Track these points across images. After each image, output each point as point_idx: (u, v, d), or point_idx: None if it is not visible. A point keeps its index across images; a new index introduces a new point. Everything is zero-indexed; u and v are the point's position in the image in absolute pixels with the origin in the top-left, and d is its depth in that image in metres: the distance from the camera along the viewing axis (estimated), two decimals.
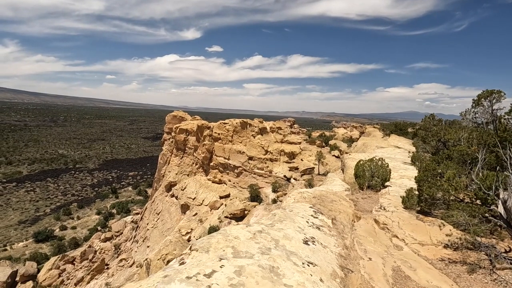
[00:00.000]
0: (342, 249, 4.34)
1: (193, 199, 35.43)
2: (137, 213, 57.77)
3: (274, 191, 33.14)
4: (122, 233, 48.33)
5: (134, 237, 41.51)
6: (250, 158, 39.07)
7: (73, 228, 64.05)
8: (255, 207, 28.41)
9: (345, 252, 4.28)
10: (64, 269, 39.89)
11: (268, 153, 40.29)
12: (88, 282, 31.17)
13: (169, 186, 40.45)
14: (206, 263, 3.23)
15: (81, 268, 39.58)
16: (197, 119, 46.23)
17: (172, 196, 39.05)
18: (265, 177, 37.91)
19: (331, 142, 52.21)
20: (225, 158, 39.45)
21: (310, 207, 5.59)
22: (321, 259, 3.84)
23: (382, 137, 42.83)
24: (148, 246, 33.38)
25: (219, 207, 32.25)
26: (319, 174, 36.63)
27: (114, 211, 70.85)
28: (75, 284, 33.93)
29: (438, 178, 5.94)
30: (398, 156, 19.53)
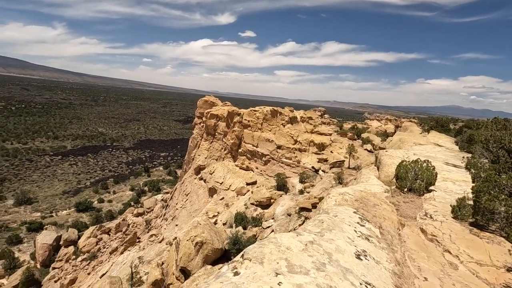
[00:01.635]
0: (395, 265, 4.04)
1: (221, 183, 36.23)
2: (167, 192, 60.60)
3: (301, 181, 32.81)
4: (153, 210, 51.11)
5: (164, 215, 43.70)
6: (279, 147, 38.82)
7: (109, 201, 68.92)
8: (281, 196, 28.38)
9: (399, 269, 3.98)
10: (101, 238, 43.31)
11: (297, 143, 39.73)
12: (122, 253, 33.56)
13: (198, 169, 41.67)
14: (263, 278, 3.15)
15: (115, 239, 42.70)
16: (228, 105, 46.57)
17: (201, 179, 40.25)
18: (292, 167, 37.61)
19: (364, 135, 50.19)
20: (253, 146, 39.60)
21: (354, 212, 5.30)
22: (376, 278, 3.61)
23: (420, 133, 40.29)
24: (176, 225, 35.04)
25: (245, 194, 32.68)
26: (349, 167, 35.55)
27: (146, 188, 74.94)
28: (110, 253, 36.71)
29: (501, 190, 5.33)
30: (439, 156, 18.21)
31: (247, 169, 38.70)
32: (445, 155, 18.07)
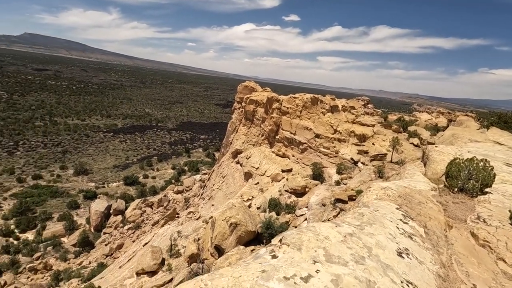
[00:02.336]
0: (440, 267, 3.80)
1: (256, 168, 36.78)
2: (205, 173, 63.30)
3: (338, 172, 31.94)
4: (191, 188, 53.91)
5: (201, 194, 45.89)
6: (317, 135, 37.96)
7: (153, 177, 74.13)
8: (316, 185, 28.02)
9: (444, 272, 3.75)
10: (145, 211, 47.11)
11: (337, 132, 38.44)
12: (162, 226, 36.22)
13: (235, 153, 42.65)
14: (301, 264, 3.21)
15: (157, 212, 46.13)
16: (267, 91, 46.37)
17: (237, 163, 41.23)
18: (330, 157, 36.66)
19: (411, 128, 46.73)
20: (291, 133, 39.23)
21: (397, 208, 5.03)
22: (419, 278, 3.44)
23: (478, 129, 36.32)
24: (212, 205, 36.67)
25: (280, 180, 32.82)
26: (391, 161, 33.62)
27: (186, 168, 79.00)
28: (152, 225, 39.83)
29: None
30: (498, 155, 16.32)
31: (284, 156, 38.63)
32: (506, 155, 16.12)
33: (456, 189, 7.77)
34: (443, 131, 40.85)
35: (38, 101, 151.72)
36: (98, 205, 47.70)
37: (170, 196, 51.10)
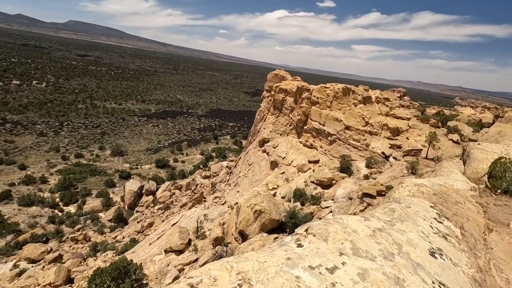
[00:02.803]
0: (476, 271, 3.57)
1: (283, 158, 36.69)
2: (232, 160, 64.44)
3: (367, 166, 30.88)
4: (218, 174, 55.28)
5: (228, 180, 46.91)
6: (347, 127, 36.79)
7: (182, 162, 76.95)
8: (343, 178, 27.38)
9: (480, 277, 3.52)
10: (174, 193, 49.28)
11: (369, 125, 36.95)
12: (190, 208, 37.73)
13: (262, 142, 42.78)
14: (327, 255, 3.20)
15: (185, 195, 48.05)
16: (297, 80, 45.48)
17: (264, 151, 41.39)
18: (360, 150, 35.48)
19: (451, 123, 43.54)
20: (320, 124, 38.40)
21: (431, 206, 4.76)
22: (452, 280, 3.27)
23: None
24: (238, 191, 37.42)
25: (306, 171, 32.50)
26: (426, 158, 31.76)
27: (213, 154, 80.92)
28: (180, 207, 41.65)
29: None
30: None
31: (311, 147, 38.06)
32: None
33: (499, 191, 7.18)
34: (488, 127, 37.59)
35: (80, 85, 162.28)
36: (132, 185, 50.70)
37: (198, 180, 52.84)
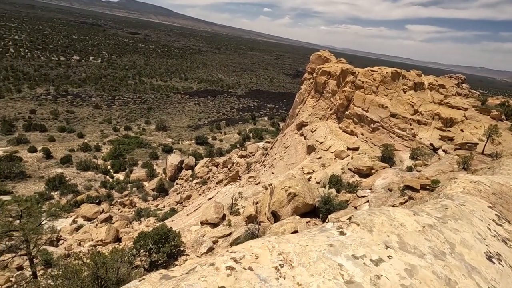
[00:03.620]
0: None
1: (320, 143, 35.88)
2: (268, 142, 64.73)
3: (412, 157, 28.91)
4: (254, 155, 56.12)
5: (263, 161, 47.47)
6: (393, 115, 34.46)
7: (220, 140, 79.23)
8: (384, 168, 26.09)
9: None
10: (211, 169, 51.36)
11: (418, 113, 34.20)
12: (225, 185, 39.18)
13: (300, 125, 42.09)
14: (371, 246, 3.11)
15: (221, 172, 49.83)
16: (342, 62, 43.18)
17: (301, 135, 40.80)
18: (405, 139, 33.22)
19: None
20: (363, 110, 36.47)
21: (489, 207, 4.31)
22: None
23: None
24: (272, 173, 37.79)
25: (344, 158, 31.52)
26: (482, 153, 28.69)
27: (250, 135, 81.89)
28: (216, 183, 43.43)
29: None
30: None
31: (351, 133, 36.58)
32: None
33: None
34: None
35: (130, 61, 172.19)
36: (173, 159, 53.83)
37: (234, 159, 54.25)
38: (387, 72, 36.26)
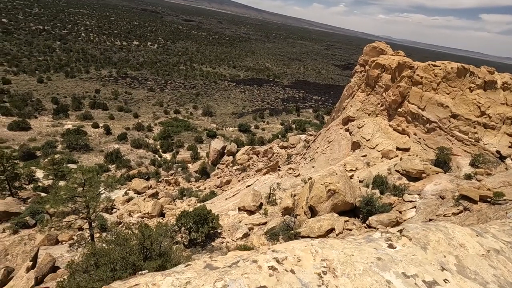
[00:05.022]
0: None
1: (367, 140, 34.05)
2: (311, 134, 63.39)
3: (472, 164, 25.98)
4: (295, 146, 55.55)
5: (304, 154, 46.77)
6: (454, 116, 31.10)
7: (262, 129, 79.74)
8: (437, 173, 23.91)
9: None
10: (251, 157, 52.20)
11: (484, 116, 30.40)
12: (264, 174, 39.59)
13: (347, 120, 40.32)
14: (425, 266, 2.87)
15: (261, 161, 50.38)
16: (399, 55, 39.86)
17: (347, 130, 39.12)
18: (466, 144, 29.89)
19: None
20: (418, 108, 33.52)
21: None
22: None
23: None
24: (313, 166, 37.09)
25: (392, 158, 29.57)
26: None
27: (293, 126, 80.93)
28: (256, 171, 44.09)
29: None
30: None
31: (402, 132, 34.04)
32: None
33: None
34: None
35: (183, 48, 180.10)
36: (216, 144, 55.79)
37: (275, 149, 54.33)
38: (451, 68, 32.64)
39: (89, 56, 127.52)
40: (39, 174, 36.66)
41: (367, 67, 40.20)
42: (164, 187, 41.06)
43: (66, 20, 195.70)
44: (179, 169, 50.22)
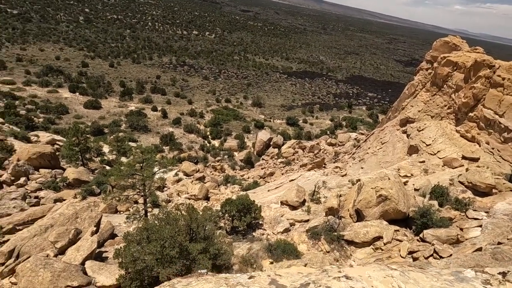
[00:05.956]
0: None
1: (427, 145, 30.99)
2: (362, 133, 60.00)
3: None
4: (344, 144, 53.24)
5: (353, 153, 44.58)
6: None
7: (311, 124, 77.93)
8: (511, 191, 20.82)
9: None
10: (297, 152, 51.54)
11: None
12: (309, 170, 38.82)
13: (405, 121, 37.14)
14: None
15: (307, 156, 49.45)
16: (477, 52, 34.99)
17: (404, 132, 36.08)
18: None
19: None
20: (495, 113, 29.26)
21: None
22: None
23: None
24: (362, 167, 35.15)
25: (456, 167, 26.51)
26: None
27: (343, 123, 77.53)
28: (300, 166, 43.48)
29: None
30: None
31: (472, 140, 30.23)
32: None
33: None
34: None
35: (239, 38, 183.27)
36: (263, 135, 56.23)
37: (322, 145, 52.78)
38: None
39: (153, 44, 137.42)
40: (105, 148, 41.12)
41: (435, 64, 36.23)
42: (211, 172, 42.92)
43: (136, 10, 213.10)
44: (226, 156, 51.94)
